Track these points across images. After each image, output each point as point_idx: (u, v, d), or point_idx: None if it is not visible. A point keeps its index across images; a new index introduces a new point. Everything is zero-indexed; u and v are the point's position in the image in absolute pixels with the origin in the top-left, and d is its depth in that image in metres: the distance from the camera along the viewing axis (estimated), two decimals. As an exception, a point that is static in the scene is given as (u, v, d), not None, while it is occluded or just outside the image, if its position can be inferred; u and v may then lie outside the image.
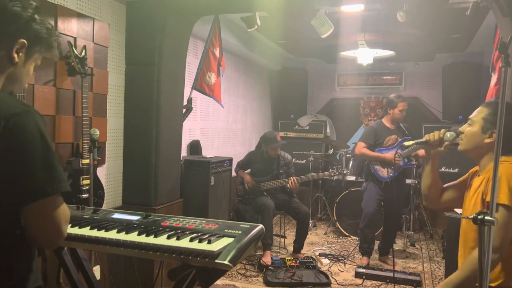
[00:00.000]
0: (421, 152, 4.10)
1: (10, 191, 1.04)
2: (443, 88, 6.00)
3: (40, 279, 1.22)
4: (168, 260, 1.54)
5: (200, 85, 3.89)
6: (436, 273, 4.13)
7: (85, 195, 2.68)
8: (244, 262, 4.19)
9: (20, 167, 1.04)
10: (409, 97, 5.34)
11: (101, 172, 3.10)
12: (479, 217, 1.26)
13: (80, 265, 2.01)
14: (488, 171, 1.70)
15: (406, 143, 2.09)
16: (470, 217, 1.29)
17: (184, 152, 4.15)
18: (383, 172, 4.10)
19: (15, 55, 1.12)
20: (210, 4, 3.38)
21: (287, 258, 4.01)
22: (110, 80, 3.17)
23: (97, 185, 2.83)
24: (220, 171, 4.05)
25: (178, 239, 1.52)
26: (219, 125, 5.22)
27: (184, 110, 3.80)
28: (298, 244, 4.41)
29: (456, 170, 5.16)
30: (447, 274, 3.33)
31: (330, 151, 6.15)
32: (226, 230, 1.59)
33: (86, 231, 1.64)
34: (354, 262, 4.35)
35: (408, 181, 4.53)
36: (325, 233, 5.45)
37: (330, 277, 3.83)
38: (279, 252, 4.66)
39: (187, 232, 1.59)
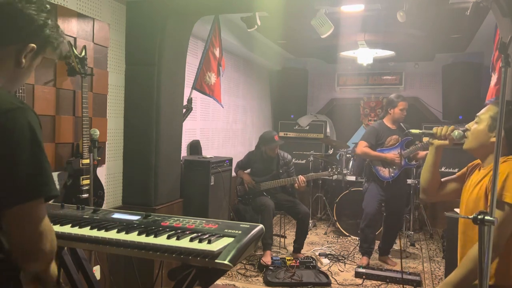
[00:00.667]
0: (422, 153, 4.11)
1: None
2: (443, 88, 6.00)
3: None
4: (168, 260, 1.54)
5: (200, 85, 3.89)
6: (436, 273, 4.13)
7: (85, 195, 2.69)
8: (244, 262, 4.19)
9: (4, 165, 0.98)
10: (409, 97, 5.34)
11: (101, 172, 3.10)
12: (479, 217, 1.26)
13: (80, 265, 2.01)
14: (492, 167, 1.68)
15: (413, 131, 2.08)
16: (470, 217, 1.29)
17: (184, 152, 4.15)
18: (385, 172, 4.10)
19: (23, 60, 1.12)
20: (210, 4, 3.38)
21: (287, 258, 4.01)
22: (110, 80, 3.17)
23: (97, 185, 2.83)
24: (220, 171, 4.05)
25: (178, 239, 1.52)
26: (219, 125, 5.22)
27: (184, 110, 3.80)
28: (298, 244, 4.41)
29: (456, 170, 5.17)
30: (447, 274, 3.33)
31: (330, 151, 6.15)
32: (226, 230, 1.59)
33: (86, 231, 1.64)
34: (354, 262, 4.35)
35: (409, 181, 4.53)
36: (325, 233, 5.45)
37: (330, 277, 3.83)
38: (279, 252, 4.66)
39: (187, 232, 1.59)
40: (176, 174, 3.70)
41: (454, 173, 2.00)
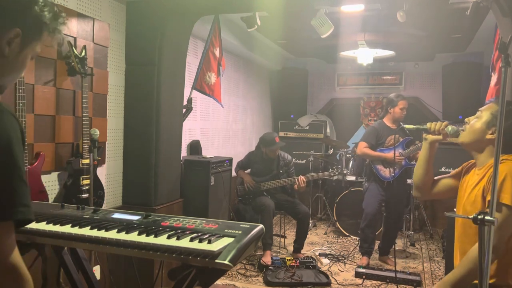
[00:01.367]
0: None
1: None
2: (443, 88, 6.00)
3: None
4: (168, 260, 1.54)
5: (200, 85, 3.89)
6: (436, 273, 4.13)
7: (85, 195, 2.69)
8: (244, 262, 4.19)
9: None
10: (409, 97, 5.33)
11: (101, 172, 3.10)
12: (479, 217, 1.26)
13: (80, 265, 2.01)
14: (489, 167, 1.68)
15: (407, 126, 2.09)
16: (470, 217, 1.28)
17: (184, 152, 4.15)
18: (385, 172, 4.10)
19: (6, 47, 0.95)
20: (210, 4, 3.38)
21: (287, 258, 4.01)
22: (110, 80, 3.17)
23: (97, 185, 2.83)
24: (220, 171, 4.05)
25: (178, 239, 1.52)
26: (219, 125, 5.22)
27: (184, 110, 3.80)
28: (298, 244, 4.41)
29: (456, 170, 5.16)
30: (447, 274, 3.33)
31: (330, 151, 6.15)
32: (226, 230, 1.59)
33: (86, 231, 1.64)
34: (354, 262, 4.34)
35: (409, 181, 4.53)
36: (325, 233, 5.45)
37: (330, 277, 3.83)
38: (279, 252, 4.66)
39: (187, 232, 1.59)
40: (176, 174, 3.70)
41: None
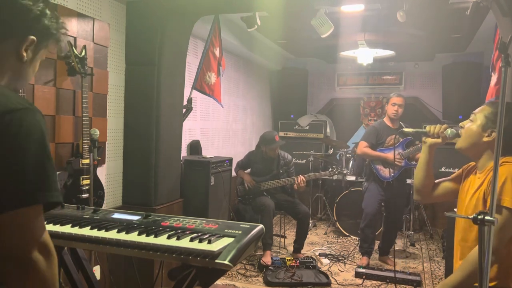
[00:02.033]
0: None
1: None
2: (443, 88, 6.00)
3: None
4: (168, 260, 1.54)
5: (200, 85, 3.89)
6: (436, 273, 4.13)
7: (85, 195, 2.69)
8: (244, 262, 4.19)
9: (7, 168, 0.91)
10: (409, 97, 5.35)
11: (101, 172, 3.10)
12: (479, 217, 1.25)
13: (80, 265, 2.01)
14: (489, 171, 1.67)
15: (406, 130, 2.09)
16: (470, 217, 1.28)
17: (184, 152, 4.15)
18: (385, 172, 4.10)
19: (24, 53, 1.07)
20: (210, 4, 3.38)
21: (287, 258, 4.01)
22: (110, 80, 3.17)
23: (97, 185, 2.83)
24: (220, 171, 4.05)
25: (178, 239, 1.52)
26: (219, 125, 5.22)
27: (184, 110, 3.80)
28: (298, 244, 4.41)
29: (456, 170, 5.16)
30: (447, 274, 3.33)
31: (330, 151, 6.15)
32: (226, 230, 1.59)
33: (86, 231, 1.64)
34: (354, 262, 4.35)
35: (409, 181, 4.54)
36: (325, 233, 5.45)
37: (330, 277, 3.83)
38: (279, 252, 4.66)
39: (187, 232, 1.59)
40: (176, 174, 3.70)
41: (454, 173, 2.00)
